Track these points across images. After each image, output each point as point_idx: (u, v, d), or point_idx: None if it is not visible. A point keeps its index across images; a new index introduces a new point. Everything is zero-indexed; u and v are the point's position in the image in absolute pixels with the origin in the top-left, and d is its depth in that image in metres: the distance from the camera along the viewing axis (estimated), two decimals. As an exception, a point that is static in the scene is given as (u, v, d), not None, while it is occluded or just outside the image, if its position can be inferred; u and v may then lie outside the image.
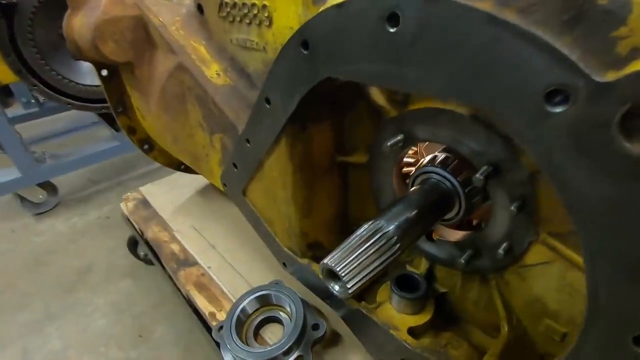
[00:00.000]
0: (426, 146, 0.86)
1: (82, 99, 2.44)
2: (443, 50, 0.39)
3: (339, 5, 0.48)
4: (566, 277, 0.58)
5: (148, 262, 1.85)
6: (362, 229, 0.59)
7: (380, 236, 0.56)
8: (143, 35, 1.09)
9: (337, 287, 0.56)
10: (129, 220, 1.60)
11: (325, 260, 0.55)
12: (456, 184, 0.66)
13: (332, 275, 0.56)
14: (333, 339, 0.98)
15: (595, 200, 0.33)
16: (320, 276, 0.57)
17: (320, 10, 0.52)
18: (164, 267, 1.38)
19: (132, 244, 1.84)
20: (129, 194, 1.71)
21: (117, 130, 2.67)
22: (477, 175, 0.56)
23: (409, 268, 0.86)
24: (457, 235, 0.74)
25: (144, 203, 1.65)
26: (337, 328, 1.00)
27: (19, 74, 2.19)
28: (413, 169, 0.90)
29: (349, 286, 0.53)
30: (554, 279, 0.60)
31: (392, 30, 0.43)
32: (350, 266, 0.53)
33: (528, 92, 0.34)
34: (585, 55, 0.30)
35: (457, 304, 0.80)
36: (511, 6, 0.33)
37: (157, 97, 1.14)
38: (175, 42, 1.01)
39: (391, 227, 0.58)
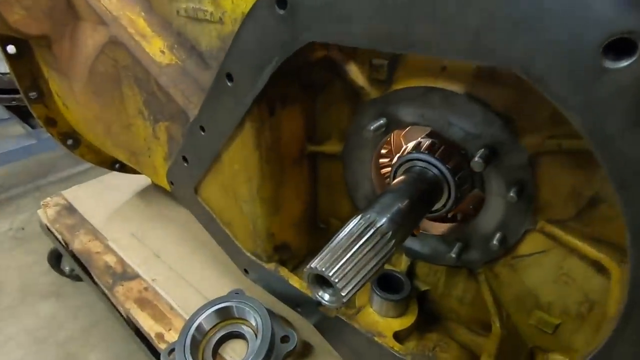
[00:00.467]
0: (404, 134, 0.80)
1: (-14, 89, 2.05)
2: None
3: (330, -52, 0.38)
4: (563, 265, 0.55)
5: (75, 278, 1.58)
6: (351, 225, 0.50)
7: (374, 232, 0.48)
8: (63, 3, 0.90)
9: (326, 296, 0.47)
10: (49, 230, 1.34)
11: (312, 264, 0.45)
12: (445, 170, 0.60)
13: (321, 281, 0.47)
14: (305, 351, 0.88)
15: (658, 173, 0.28)
16: (306, 284, 0.48)
17: (302, -43, 0.43)
18: (96, 283, 1.17)
19: (55, 258, 1.56)
20: (49, 199, 1.44)
21: (32, 126, 2.29)
22: (476, 158, 0.50)
23: (388, 267, 0.80)
24: (442, 228, 0.69)
25: (69, 209, 1.40)
26: (308, 339, 0.90)
27: None
28: (386, 160, 0.84)
29: (343, 293, 0.44)
30: (549, 268, 0.56)
31: (401, -24, 0.35)
32: (343, 269, 0.44)
33: (581, 44, 0.28)
34: (662, -8, 0.25)
35: (440, 301, 0.75)
36: None
37: (83, 79, 0.94)
38: (106, 12, 0.84)
39: (384, 221, 0.50)
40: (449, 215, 0.74)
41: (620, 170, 0.30)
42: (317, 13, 0.43)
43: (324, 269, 0.44)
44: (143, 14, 0.86)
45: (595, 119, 0.30)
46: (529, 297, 0.61)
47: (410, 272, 0.76)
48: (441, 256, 0.67)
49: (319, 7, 0.43)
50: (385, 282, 0.72)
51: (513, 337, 0.63)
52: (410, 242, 0.72)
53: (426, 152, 0.61)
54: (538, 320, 0.61)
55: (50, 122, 1.19)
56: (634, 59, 0.27)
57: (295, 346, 0.83)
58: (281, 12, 0.46)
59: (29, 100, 1.12)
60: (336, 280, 0.43)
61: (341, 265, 0.44)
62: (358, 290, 0.46)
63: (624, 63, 0.27)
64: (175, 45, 0.84)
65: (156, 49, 0.82)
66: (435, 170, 0.61)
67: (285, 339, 0.84)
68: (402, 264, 0.76)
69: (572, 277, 0.55)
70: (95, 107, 0.99)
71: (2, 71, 2.08)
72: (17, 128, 2.41)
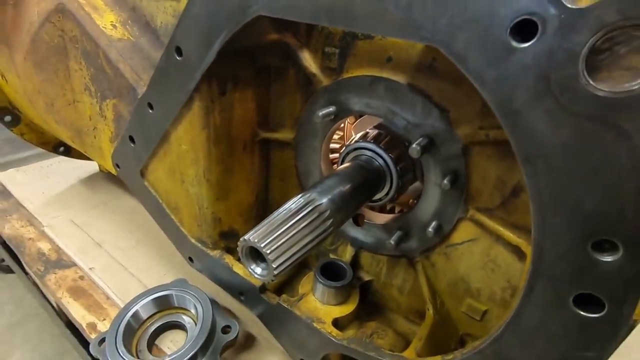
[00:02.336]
0: (355, 125, 0.83)
1: None
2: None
3: None
4: (490, 253, 0.58)
5: (5, 270, 1.45)
6: (290, 202, 0.50)
7: (312, 209, 0.49)
8: (8, -34, 0.84)
9: (259, 270, 0.47)
10: (-24, 214, 1.23)
11: (246, 236, 0.45)
12: (388, 160, 0.62)
13: (255, 254, 0.47)
14: (246, 342, 0.86)
15: (555, 146, 0.31)
16: (240, 257, 0.47)
17: None
18: (26, 273, 1.08)
19: (-19, 247, 1.42)
20: (-21, 180, 1.32)
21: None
22: (414, 145, 0.53)
23: (333, 257, 0.81)
24: (385, 218, 0.71)
25: (2, 193, 1.30)
26: (251, 330, 0.88)
27: None
28: (338, 155, 0.86)
29: (274, 266, 0.43)
30: (478, 256, 0.60)
31: (341, -49, 0.36)
32: (276, 243, 0.44)
33: (493, 23, 0.31)
34: (557, -21, 0.28)
35: (382, 291, 0.77)
36: None
37: (25, 48, 0.89)
38: (55, -21, 0.80)
39: (324, 200, 0.51)
40: (393, 207, 0.76)
41: (525, 144, 0.33)
42: (265, -14, 0.44)
43: (257, 241, 0.43)
44: (96, -15, 0.83)
45: (504, 94, 0.32)
46: (461, 285, 0.64)
47: (355, 263, 0.77)
48: (382, 245, 0.69)
49: (267, -19, 0.43)
50: (328, 271, 0.73)
51: (445, 323, 0.66)
52: (355, 232, 0.74)
53: (372, 141, 0.63)
54: (468, 307, 0.64)
55: (-14, 95, 1.10)
56: (535, 39, 0.29)
57: (237, 336, 0.81)
58: (230, -16, 0.46)
59: (-38, 69, 1.03)
60: (268, 252, 0.43)
61: (275, 238, 0.44)
62: (290, 265, 0.46)
63: (527, 43, 0.30)
64: (129, 21, 0.81)
65: (107, 22, 0.79)
66: (379, 160, 0.63)
67: (226, 329, 0.82)
68: (347, 254, 0.77)
69: (497, 263, 0.58)
70: (38, 80, 0.93)
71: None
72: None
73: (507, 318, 0.41)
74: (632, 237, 0.30)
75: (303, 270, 0.86)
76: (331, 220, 0.50)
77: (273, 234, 0.45)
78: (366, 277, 0.77)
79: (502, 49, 0.31)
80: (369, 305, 0.78)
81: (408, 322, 0.74)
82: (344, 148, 0.68)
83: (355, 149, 0.66)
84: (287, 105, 0.73)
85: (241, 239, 0.45)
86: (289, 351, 0.75)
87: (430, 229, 0.60)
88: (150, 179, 0.85)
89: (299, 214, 0.48)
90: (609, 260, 0.32)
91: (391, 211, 0.77)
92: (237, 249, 0.46)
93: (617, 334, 0.34)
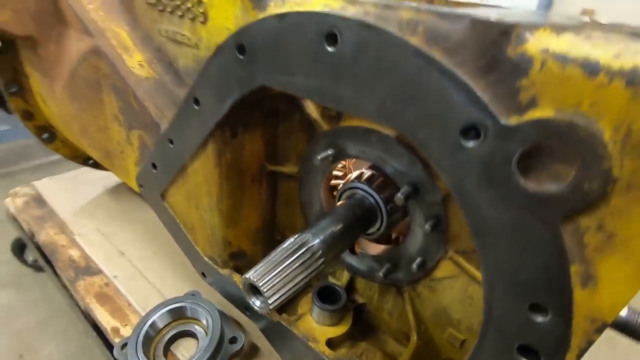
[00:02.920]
0: (354, 162, 0.90)
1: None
2: (376, 74, 0.41)
3: (281, 16, 0.47)
4: (468, 289, 0.64)
5: (38, 268, 1.59)
6: (287, 243, 0.58)
7: (305, 250, 0.56)
8: (51, 9, 0.95)
9: (258, 303, 0.55)
10: (15, 219, 1.36)
11: (247, 275, 0.53)
12: (379, 200, 0.69)
13: (254, 289, 0.55)
14: (251, 353, 0.95)
15: (496, 225, 0.38)
16: (242, 290, 0.55)
17: (260, 16, 0.51)
18: (58, 276, 1.20)
19: (19, 248, 1.57)
20: (18, 188, 1.46)
21: (8, 111, 2.28)
22: (398, 194, 0.60)
23: (331, 279, 0.88)
24: (377, 249, 0.78)
25: (38, 200, 1.43)
26: (257, 341, 0.97)
27: None
28: (341, 182, 0.93)
29: (270, 302, 0.51)
30: (458, 291, 0.66)
31: (330, 49, 0.43)
32: (272, 281, 0.52)
33: (447, 125, 0.37)
34: (495, 99, 0.34)
35: (374, 314, 0.84)
36: (439, 45, 0.36)
37: (64, 81, 1.00)
38: (92, 22, 0.90)
39: (316, 241, 0.59)
40: (389, 236, 0.83)
41: (474, 220, 0.39)
42: (269, 64, 0.51)
43: (255, 280, 0.51)
44: (127, 27, 0.93)
45: (457, 180, 0.39)
46: (443, 315, 0.70)
47: (350, 286, 0.85)
48: (373, 274, 0.76)
49: (271, 59, 0.51)
50: (325, 294, 0.80)
51: (429, 347, 0.72)
52: (351, 259, 0.81)
53: (365, 182, 0.70)
54: (449, 335, 0.71)
55: (28, 116, 1.22)
56: (479, 142, 0.36)
57: (242, 347, 0.90)
58: (241, 57, 0.54)
59: (8, 93, 1.16)
60: (265, 290, 0.51)
61: (271, 278, 0.52)
62: (285, 300, 0.54)
63: (474, 144, 0.36)
64: (154, 60, 0.91)
65: (135, 61, 0.89)
66: (371, 199, 0.70)
67: (233, 340, 0.91)
68: (343, 278, 0.84)
69: (474, 299, 0.64)
70: (73, 108, 1.04)
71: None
72: (-8, 112, 2.38)
73: (467, 357, 0.48)
74: (558, 303, 0.37)
75: (305, 289, 0.94)
76: (322, 259, 0.58)
77: (270, 273, 0.53)
78: (360, 300, 0.84)
79: (454, 145, 0.38)
80: (363, 325, 0.85)
81: (397, 344, 0.81)
82: (341, 185, 0.76)
83: (351, 187, 0.73)
84: (292, 144, 0.80)
85: (243, 277, 0.53)
86: (288, 364, 0.83)
87: (414, 265, 0.67)
88: (170, 201, 0.95)
89: (294, 255, 0.56)
90: (542, 321, 0.38)
91: (387, 241, 0.84)
92: (240, 281, 0.54)
93: (551, 381, 0.40)
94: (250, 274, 0.52)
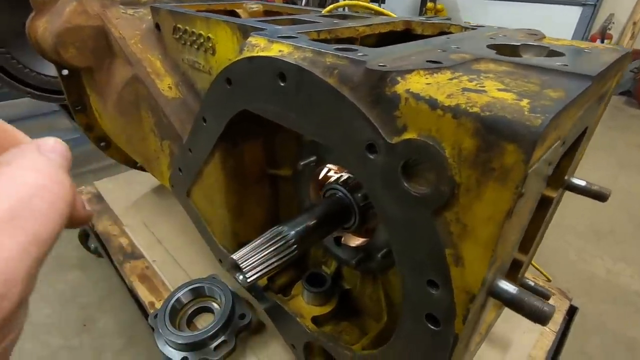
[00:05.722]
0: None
1: (43, 89, 2.44)
2: (310, 104, 0.54)
3: (249, 58, 0.62)
4: (424, 277, 0.75)
5: (98, 254, 1.90)
6: (268, 233, 0.73)
7: (280, 238, 0.71)
8: (104, 44, 1.19)
9: (240, 277, 0.70)
10: (80, 213, 1.65)
11: (232, 255, 0.68)
12: (352, 200, 0.81)
13: (238, 267, 0.70)
14: (258, 328, 1.11)
15: (395, 219, 0.49)
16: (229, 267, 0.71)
17: (239, 57, 0.66)
18: (111, 260, 1.46)
19: (84, 237, 1.88)
20: (83, 187, 1.76)
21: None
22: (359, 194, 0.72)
23: (324, 268, 1.01)
24: (356, 241, 0.90)
25: (98, 197, 1.72)
26: (264, 320, 1.13)
27: (-24, 60, 2.18)
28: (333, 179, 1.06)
29: (247, 276, 0.66)
30: (417, 278, 0.76)
31: (282, 84, 0.57)
32: (252, 261, 0.67)
33: (357, 143, 0.50)
34: (383, 124, 0.46)
35: (358, 298, 0.96)
36: (347, 84, 0.49)
37: (113, 101, 1.23)
38: (133, 54, 1.12)
39: (291, 233, 0.73)
40: (364, 232, 0.94)
41: (382, 212, 0.51)
42: (246, 93, 0.66)
43: (237, 259, 0.67)
44: (160, 56, 1.13)
45: (369, 183, 0.51)
46: (409, 300, 0.81)
47: (338, 274, 0.97)
48: (352, 263, 0.88)
49: (247, 90, 0.66)
50: (314, 279, 0.94)
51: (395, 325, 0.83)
52: (337, 250, 0.94)
53: (342, 184, 0.83)
54: (415, 318, 0.81)
55: (89, 128, 1.50)
56: (377, 155, 0.48)
57: (250, 323, 1.07)
58: (228, 87, 0.70)
59: (74, 110, 1.44)
60: (243, 268, 0.66)
61: (251, 258, 0.67)
62: (261, 276, 0.68)
63: (374, 157, 0.48)
64: (180, 83, 1.10)
65: (165, 85, 1.09)
66: (346, 199, 0.83)
67: (242, 316, 1.08)
68: (332, 266, 0.98)
69: (429, 286, 0.74)
70: (121, 122, 1.28)
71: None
72: (65, 122, 2.81)
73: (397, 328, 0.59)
74: (443, 279, 0.47)
75: (299, 275, 1.08)
76: (295, 247, 0.72)
77: (250, 255, 0.68)
78: (347, 286, 0.97)
79: (363, 157, 0.50)
80: (350, 309, 0.97)
81: (375, 323, 0.92)
82: (325, 185, 0.89)
83: (332, 188, 0.86)
84: (287, 150, 0.95)
85: (230, 257, 0.69)
86: (283, 337, 0.98)
87: (379, 255, 0.78)
88: (193, 198, 1.14)
89: (270, 242, 0.70)
90: (435, 293, 0.49)
91: (366, 234, 0.95)
92: (228, 261, 0.70)
93: (448, 341, 0.51)
94: (235, 255, 0.68)
